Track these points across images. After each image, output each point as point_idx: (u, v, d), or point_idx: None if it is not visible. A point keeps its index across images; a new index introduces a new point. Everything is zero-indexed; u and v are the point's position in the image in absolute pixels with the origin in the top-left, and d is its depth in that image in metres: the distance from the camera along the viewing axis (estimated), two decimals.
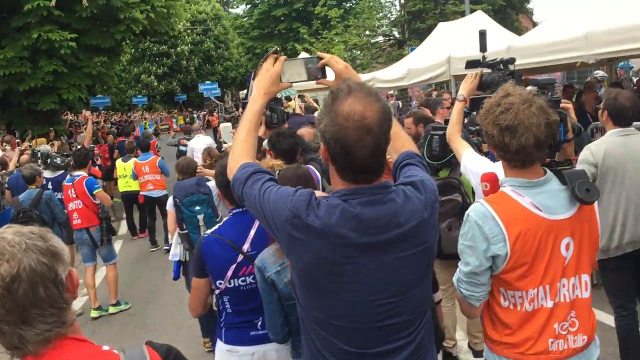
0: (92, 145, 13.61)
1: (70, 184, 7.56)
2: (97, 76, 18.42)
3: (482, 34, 4.06)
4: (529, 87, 2.56)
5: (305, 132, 4.92)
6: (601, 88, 11.11)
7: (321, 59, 2.29)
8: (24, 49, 15.48)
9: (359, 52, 30.75)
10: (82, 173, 7.65)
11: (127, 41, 19.58)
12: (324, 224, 1.77)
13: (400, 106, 20.32)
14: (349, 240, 1.78)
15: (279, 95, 17.46)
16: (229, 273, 2.96)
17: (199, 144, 11.26)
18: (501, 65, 3.69)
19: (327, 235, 1.78)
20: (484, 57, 3.88)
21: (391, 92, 20.76)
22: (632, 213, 4.10)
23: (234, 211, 3.12)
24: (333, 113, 1.76)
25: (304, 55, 25.26)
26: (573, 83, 14.19)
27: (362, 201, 1.81)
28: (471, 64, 3.89)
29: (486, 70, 3.76)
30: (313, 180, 3.38)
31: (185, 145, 12.30)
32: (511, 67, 3.69)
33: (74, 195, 7.47)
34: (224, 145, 9.80)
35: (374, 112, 1.74)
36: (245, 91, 16.62)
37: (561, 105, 2.68)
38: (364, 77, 15.50)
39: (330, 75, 2.31)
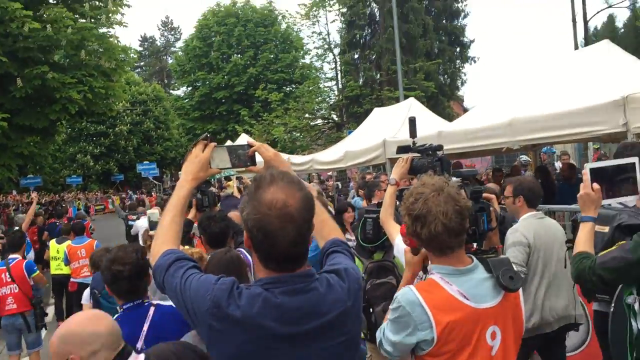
0: None
1: (4, 267, 7.21)
2: (29, 156, 17.92)
3: (412, 121, 4.20)
4: (453, 179, 2.63)
5: (234, 215, 4.87)
6: (525, 172, 11.67)
7: (251, 146, 2.30)
8: None
9: (298, 134, 31.38)
10: (18, 256, 7.36)
11: (63, 121, 19.29)
12: (244, 314, 1.72)
13: (340, 187, 20.60)
14: (270, 331, 1.73)
15: (218, 175, 17.33)
16: None
17: (145, 224, 11.18)
18: (430, 151, 3.81)
19: (248, 326, 1.72)
20: (414, 143, 3.99)
21: (330, 173, 21.06)
22: (563, 292, 4.32)
23: (125, 307, 2.99)
24: (255, 201, 1.75)
25: (244, 136, 25.57)
26: (502, 166, 14.82)
27: (285, 290, 1.77)
28: (402, 149, 3.98)
29: (416, 155, 3.86)
30: (243, 265, 3.30)
31: (133, 220, 12.10)
32: (439, 153, 3.81)
33: (9, 279, 7.13)
34: (150, 232, 9.65)
35: (296, 200, 1.75)
36: None
37: (484, 195, 2.76)
38: (303, 158, 15.74)
39: (260, 162, 2.32)
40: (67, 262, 9.98)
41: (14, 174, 17.73)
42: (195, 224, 4.71)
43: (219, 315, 1.73)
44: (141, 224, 11.43)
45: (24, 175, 25.94)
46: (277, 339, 1.74)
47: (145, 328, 2.84)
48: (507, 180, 5.09)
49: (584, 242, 2.78)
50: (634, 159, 2.54)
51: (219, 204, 5.34)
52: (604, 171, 2.49)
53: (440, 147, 3.85)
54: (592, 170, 2.49)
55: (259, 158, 2.34)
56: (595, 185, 2.56)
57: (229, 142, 28.74)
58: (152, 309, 3.01)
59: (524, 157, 13.72)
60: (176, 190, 2.22)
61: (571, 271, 2.88)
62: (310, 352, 1.78)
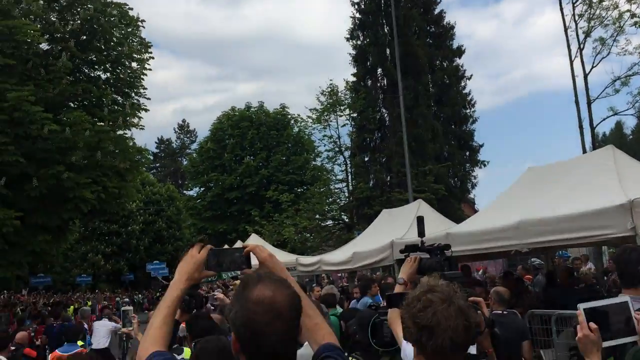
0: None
1: None
2: (40, 254, 17.92)
3: (420, 220, 4.18)
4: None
5: (215, 317, 4.87)
6: (538, 275, 11.45)
7: (239, 249, 2.30)
8: None
9: (309, 235, 31.33)
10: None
11: (75, 220, 19.47)
12: None
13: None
14: None
15: (225, 277, 17.02)
16: None
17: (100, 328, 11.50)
18: (437, 250, 3.76)
19: None
20: (422, 242, 3.95)
21: (340, 274, 20.80)
22: None
23: None
24: (243, 299, 1.76)
25: (254, 236, 25.58)
26: (515, 269, 14.50)
27: None
28: (409, 249, 3.94)
29: (425, 255, 3.81)
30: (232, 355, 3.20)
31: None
32: (447, 253, 3.76)
33: None
34: (123, 329, 9.65)
35: (283, 297, 1.75)
36: None
37: (471, 299, 2.69)
38: (311, 259, 15.60)
39: (256, 265, 2.30)
40: None
41: (24, 272, 17.63)
42: (183, 325, 4.68)
43: None
44: (97, 327, 11.37)
45: (34, 274, 25.85)
46: None
47: None
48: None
49: None
50: (626, 298, 2.44)
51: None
52: (598, 311, 2.38)
53: (448, 247, 3.81)
54: (586, 310, 2.38)
55: (254, 261, 2.32)
56: (593, 325, 2.41)
57: (239, 242, 28.73)
58: None
59: (536, 261, 13.49)
60: (170, 290, 2.18)
61: None
62: None
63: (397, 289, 3.70)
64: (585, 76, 21.13)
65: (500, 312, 5.96)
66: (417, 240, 4.05)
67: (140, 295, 40.60)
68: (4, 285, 19.31)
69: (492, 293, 6.20)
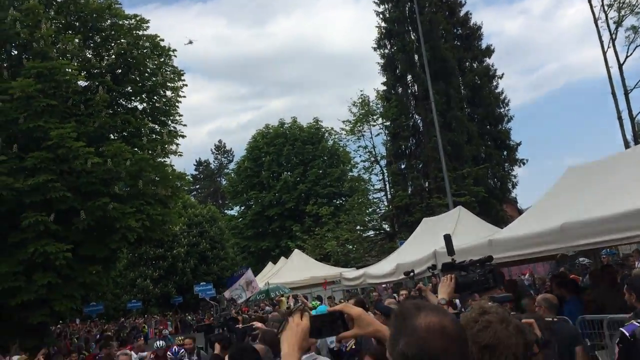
0: None
1: None
2: (91, 285, 18.39)
3: (447, 239, 4.21)
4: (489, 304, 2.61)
5: (258, 347, 4.91)
6: (586, 275, 11.21)
7: (338, 312, 2.20)
8: (18, 264, 15.59)
9: (351, 246, 31.31)
10: None
11: (123, 249, 19.95)
12: None
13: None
14: None
15: (273, 294, 17.02)
16: None
17: None
18: (477, 264, 3.76)
19: None
20: (453, 260, 3.98)
21: (384, 285, 20.70)
22: None
23: None
24: (410, 329, 1.72)
25: (297, 252, 25.76)
26: (564, 269, 14.19)
27: None
28: (446, 267, 3.98)
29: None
30: None
31: None
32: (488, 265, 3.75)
33: None
34: None
35: (450, 321, 1.73)
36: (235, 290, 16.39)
37: (524, 321, 2.72)
38: (355, 273, 15.60)
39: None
40: None
41: (77, 304, 18.13)
42: None
43: None
44: None
45: (87, 303, 26.51)
46: None
47: None
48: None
49: None
50: None
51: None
52: None
53: (489, 259, 3.79)
54: None
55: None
56: None
57: (282, 259, 28.92)
58: None
59: (585, 260, 13.21)
60: None
61: None
62: None
63: None
64: (620, 66, 20.70)
65: (551, 319, 5.90)
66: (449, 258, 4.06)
67: (189, 317, 41.16)
68: (58, 317, 19.80)
69: (541, 301, 6.13)
